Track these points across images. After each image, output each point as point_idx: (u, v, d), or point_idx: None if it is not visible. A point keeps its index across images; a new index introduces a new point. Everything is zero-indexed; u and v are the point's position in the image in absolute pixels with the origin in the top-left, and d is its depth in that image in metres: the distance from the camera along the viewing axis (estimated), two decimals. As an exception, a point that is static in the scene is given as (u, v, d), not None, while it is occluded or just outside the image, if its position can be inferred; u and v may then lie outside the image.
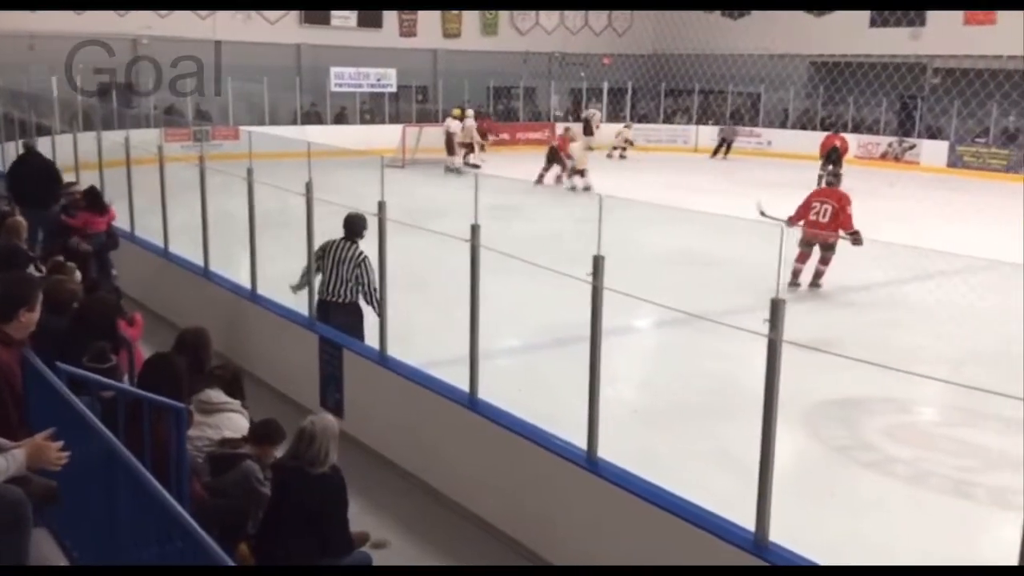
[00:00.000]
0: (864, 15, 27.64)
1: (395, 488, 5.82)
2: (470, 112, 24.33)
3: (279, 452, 4.49)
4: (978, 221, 16.09)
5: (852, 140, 26.49)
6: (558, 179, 20.13)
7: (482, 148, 23.40)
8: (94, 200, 8.93)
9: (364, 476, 5.75)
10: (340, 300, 7.05)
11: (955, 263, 11.40)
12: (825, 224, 11.04)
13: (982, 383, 3.79)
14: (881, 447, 6.67)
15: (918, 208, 18.05)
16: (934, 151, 25.43)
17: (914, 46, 26.56)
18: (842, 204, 11.21)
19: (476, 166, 22.46)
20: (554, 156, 20.35)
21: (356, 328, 7.03)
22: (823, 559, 3.80)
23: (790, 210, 11.34)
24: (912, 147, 26.17)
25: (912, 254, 11.39)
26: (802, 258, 11.08)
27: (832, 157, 21.88)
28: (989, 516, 5.72)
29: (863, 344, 8.25)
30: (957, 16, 25.51)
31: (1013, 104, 24.21)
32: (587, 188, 18.77)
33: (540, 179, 20.27)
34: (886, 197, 19.60)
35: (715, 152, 27.81)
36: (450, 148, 22.44)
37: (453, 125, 22.74)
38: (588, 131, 20.85)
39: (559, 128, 24.88)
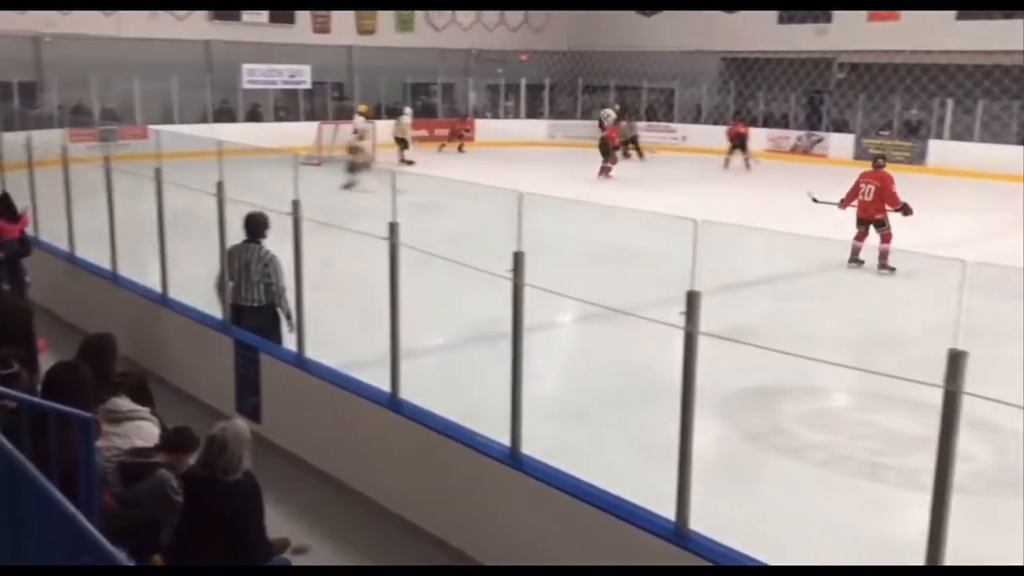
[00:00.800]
0: (773, 12, 28.33)
1: (316, 492, 5.72)
2: (408, 110, 24.33)
3: (193, 460, 4.37)
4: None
5: (763, 134, 27.26)
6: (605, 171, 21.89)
7: (405, 145, 23.27)
8: (7, 207, 8.55)
9: (284, 481, 5.64)
10: (252, 304, 6.89)
11: (868, 253, 11.82)
12: (870, 202, 12.06)
13: (891, 368, 3.90)
14: (796, 433, 6.83)
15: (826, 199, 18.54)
16: (841, 144, 26.19)
17: (820, 42, 27.34)
18: (885, 183, 12.23)
19: (410, 162, 22.35)
20: (606, 148, 22.08)
21: (272, 331, 6.88)
22: (742, 545, 3.86)
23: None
24: (820, 140, 26.92)
25: (823, 245, 11.76)
26: (860, 237, 12.02)
27: (737, 143, 24.11)
28: (900, 497, 5.92)
29: (777, 333, 8.45)
30: (861, 13, 26.34)
31: (915, 97, 25.13)
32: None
33: (606, 172, 21.87)
34: (795, 188, 20.12)
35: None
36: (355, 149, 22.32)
37: (360, 122, 22.60)
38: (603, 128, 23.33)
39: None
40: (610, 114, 24.31)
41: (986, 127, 23.72)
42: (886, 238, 12.06)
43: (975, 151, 22.80)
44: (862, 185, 12.35)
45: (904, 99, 25.54)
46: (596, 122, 26.46)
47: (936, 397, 3.18)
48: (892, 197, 12.17)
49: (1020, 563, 5.01)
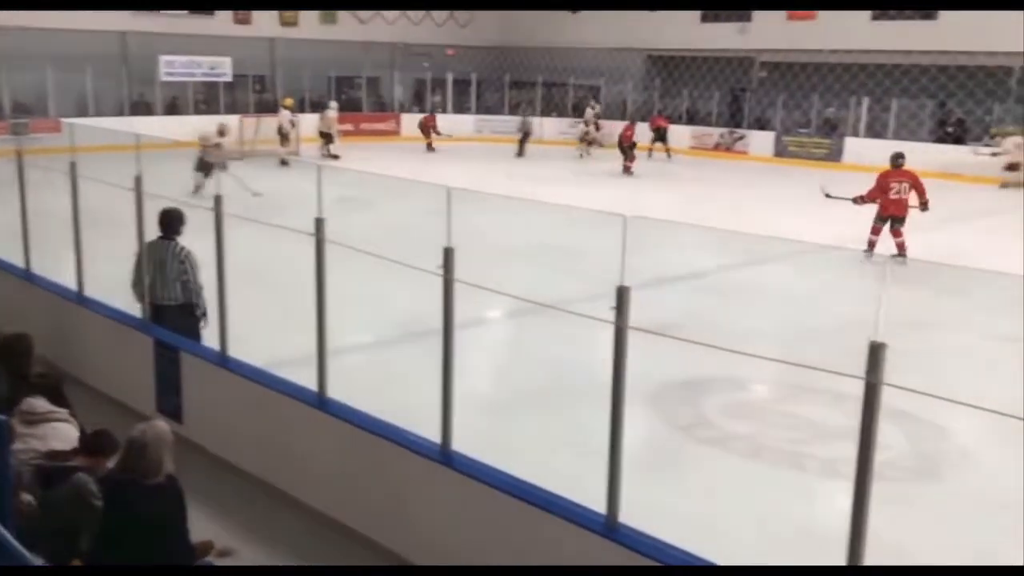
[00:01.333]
0: (695, 11, 28.77)
1: (240, 493, 5.60)
2: (333, 104, 24.06)
3: (113, 463, 4.23)
4: (804, 208, 17.06)
5: (687, 131, 27.73)
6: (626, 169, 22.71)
7: (330, 140, 22.96)
8: None
9: (207, 483, 5.51)
10: (170, 302, 6.70)
11: (784, 248, 12.09)
12: (905, 199, 12.69)
13: (811, 360, 4.00)
14: (721, 424, 6.96)
15: (749, 196, 18.98)
16: (761, 141, 26.77)
17: (742, 41, 27.88)
18: (916, 179, 12.97)
19: (336, 156, 22.08)
20: (624, 147, 22.85)
21: (191, 329, 6.72)
22: (670, 537, 3.91)
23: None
24: (742, 138, 27.46)
25: (745, 240, 12.00)
26: (877, 231, 12.60)
27: (658, 136, 26.16)
28: (821, 485, 6.07)
29: (702, 327, 8.59)
30: (781, 12, 26.93)
31: (833, 96, 25.79)
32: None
33: (627, 171, 22.59)
34: (718, 184, 20.51)
35: (520, 148, 26.33)
36: (282, 139, 21.98)
37: (284, 115, 22.28)
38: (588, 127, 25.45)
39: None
40: (593, 107, 26.44)
41: (903, 125, 24.48)
42: (899, 233, 12.56)
43: (890, 148, 23.44)
44: (894, 184, 12.81)
45: (824, 97, 26.19)
46: (579, 120, 27.70)
47: (855, 388, 3.26)
48: (923, 191, 12.88)
49: (936, 549, 5.20)
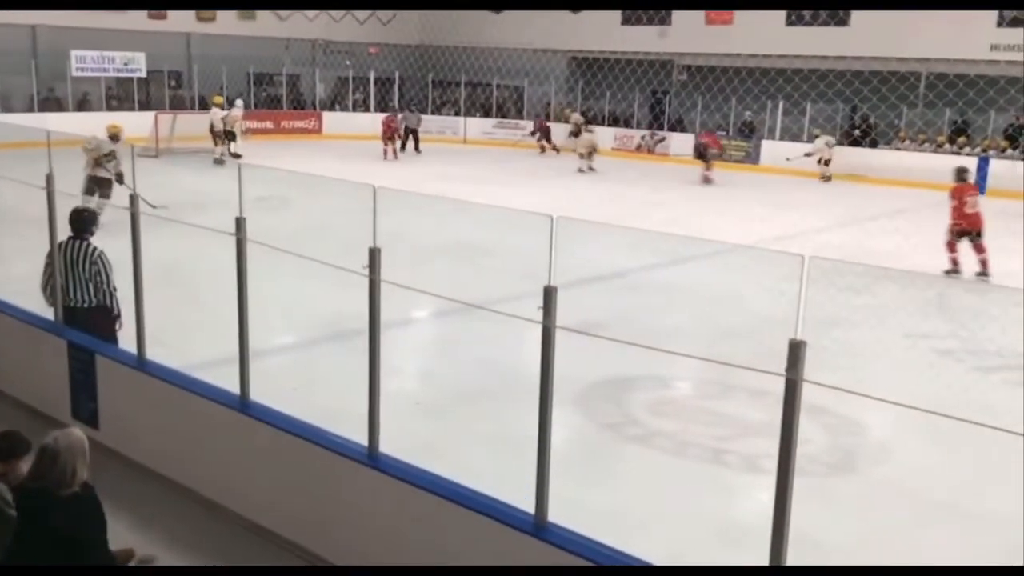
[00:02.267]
0: (617, 13, 29.11)
1: (160, 500, 5.46)
2: (239, 102, 23.45)
3: (27, 465, 4.07)
4: (723, 208, 17.44)
5: (609, 133, 28.05)
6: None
7: (232, 139, 22.30)
8: None
9: (126, 490, 5.36)
10: (83, 304, 6.49)
11: (705, 248, 12.32)
12: (978, 213, 12.30)
13: (732, 358, 4.08)
14: (646, 422, 7.05)
15: (670, 197, 19.30)
16: (682, 143, 27.23)
17: (661, 44, 28.31)
18: (976, 192, 12.73)
19: (237, 156, 21.61)
20: (702, 153, 23.08)
21: (107, 332, 6.51)
22: (597, 534, 3.95)
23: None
24: (663, 140, 27.89)
25: (667, 240, 12.20)
26: (953, 247, 12.32)
27: (543, 134, 27.78)
28: (743, 480, 6.20)
29: (627, 327, 8.71)
30: (699, 16, 27.43)
31: (751, 99, 26.38)
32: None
33: (707, 179, 22.46)
34: (639, 185, 20.79)
35: (403, 145, 25.56)
36: (214, 137, 21.49)
37: (216, 113, 21.77)
38: (576, 133, 25.33)
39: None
40: (579, 118, 26.66)
41: (818, 127, 25.18)
42: (983, 247, 12.25)
43: (805, 150, 24.15)
44: (968, 198, 12.41)
45: (744, 100, 26.77)
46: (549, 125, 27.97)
47: (774, 384, 3.33)
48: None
49: (856, 542, 5.37)
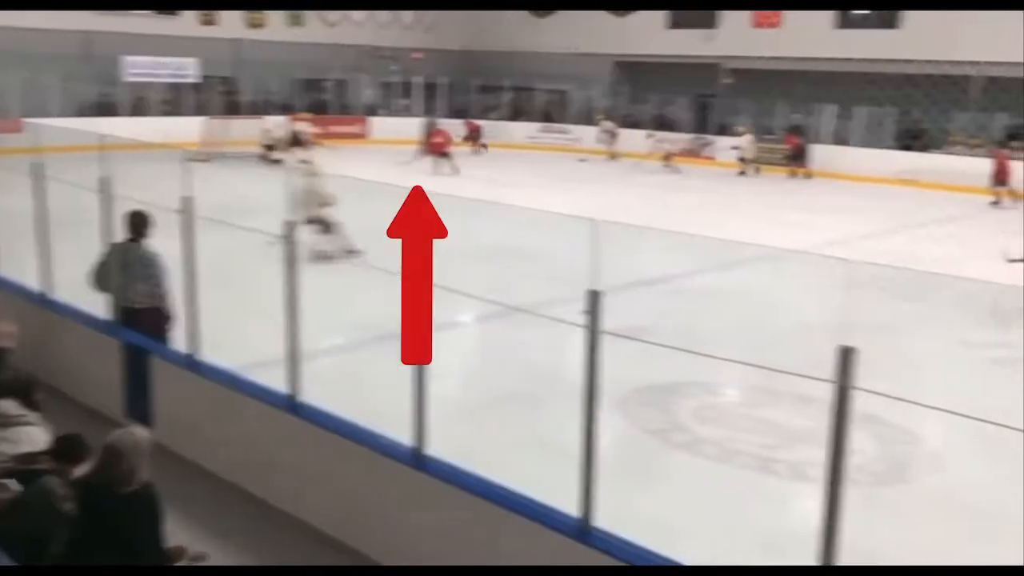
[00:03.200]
0: (662, 17, 28.95)
1: (212, 498, 5.55)
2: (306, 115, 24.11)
3: (83, 469, 4.17)
4: (769, 214, 17.25)
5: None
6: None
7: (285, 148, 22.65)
8: None
9: (178, 488, 5.42)
10: (138, 305, 6.62)
11: (750, 252, 12.22)
12: None
13: (779, 364, 4.05)
14: (692, 428, 7.01)
15: (714, 200, 19.15)
16: (728, 147, 26.97)
17: (708, 47, 28.10)
18: None
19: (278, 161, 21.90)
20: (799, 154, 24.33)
21: (160, 332, 6.64)
22: (644, 541, 3.93)
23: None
24: (708, 144, 27.67)
25: (711, 244, 12.10)
26: None
27: (473, 136, 27.70)
28: (791, 489, 6.13)
29: (673, 331, 8.66)
30: (746, 19, 27.19)
31: (798, 103, 26.06)
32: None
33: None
34: (685, 190, 20.67)
35: (472, 144, 27.56)
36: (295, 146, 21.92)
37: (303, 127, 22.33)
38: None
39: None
40: (611, 125, 27.49)
41: (869, 131, 24.82)
42: None
43: (854, 155, 23.83)
44: None
45: (789, 104, 26.46)
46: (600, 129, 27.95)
47: (821, 392, 3.29)
48: None
49: (906, 552, 5.27)
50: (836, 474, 3.29)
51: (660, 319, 9.26)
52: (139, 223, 6.65)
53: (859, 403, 3.26)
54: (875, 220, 17.12)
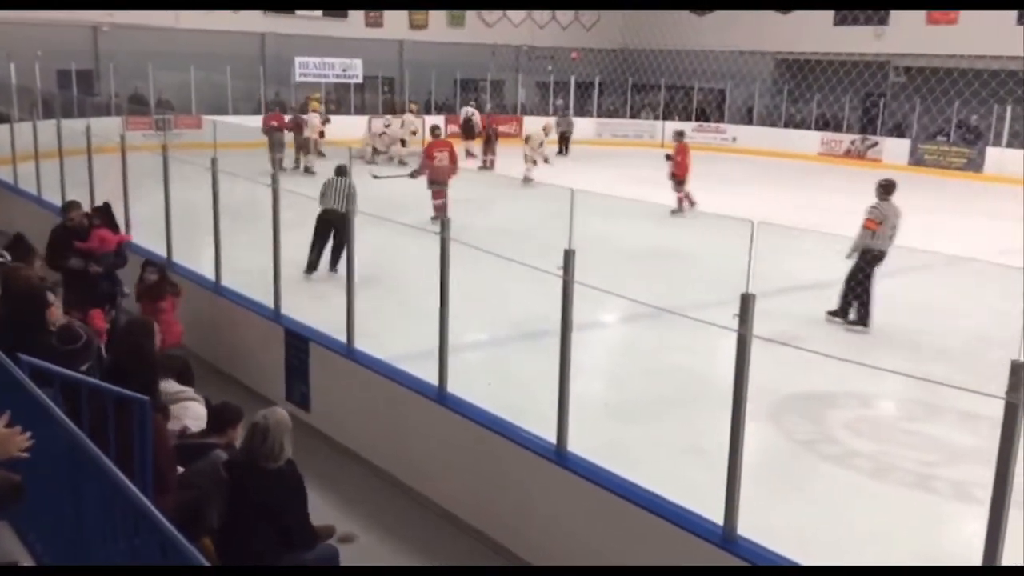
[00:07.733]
0: (829, 14, 27.90)
1: (362, 482, 5.78)
2: (413, 107, 24.09)
3: (240, 433, 4.42)
4: (936, 220, 16.33)
5: (816, 137, 26.89)
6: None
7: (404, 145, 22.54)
8: (108, 217, 8.19)
9: (331, 470, 5.71)
10: (340, 209, 9.24)
11: (915, 259, 11.58)
12: None
13: (942, 377, 3.84)
14: (844, 441, 6.73)
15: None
16: (896, 149, 25.74)
17: (878, 45, 26.87)
18: None
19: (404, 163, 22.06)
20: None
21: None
22: (790, 553, 3.83)
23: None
24: (875, 145, 26.47)
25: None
26: None
27: (468, 132, 24.88)
28: (952, 509, 5.80)
29: (827, 339, 8.35)
30: (920, 16, 25.84)
31: (982, 102, 24.54)
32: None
33: None
34: (848, 192, 19.82)
35: (560, 148, 25.94)
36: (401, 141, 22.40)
37: (410, 118, 22.73)
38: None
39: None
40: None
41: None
42: None
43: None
44: None
45: (970, 104, 24.94)
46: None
47: (987, 408, 3.12)
48: None
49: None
50: (1002, 496, 3.11)
51: (815, 326, 8.95)
52: (344, 169, 10.10)
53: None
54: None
